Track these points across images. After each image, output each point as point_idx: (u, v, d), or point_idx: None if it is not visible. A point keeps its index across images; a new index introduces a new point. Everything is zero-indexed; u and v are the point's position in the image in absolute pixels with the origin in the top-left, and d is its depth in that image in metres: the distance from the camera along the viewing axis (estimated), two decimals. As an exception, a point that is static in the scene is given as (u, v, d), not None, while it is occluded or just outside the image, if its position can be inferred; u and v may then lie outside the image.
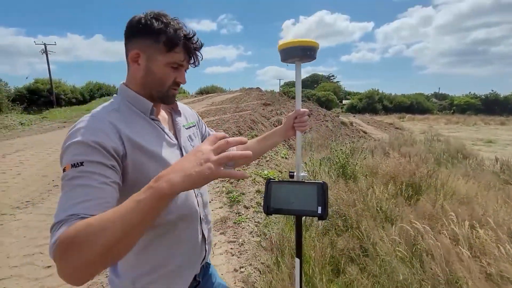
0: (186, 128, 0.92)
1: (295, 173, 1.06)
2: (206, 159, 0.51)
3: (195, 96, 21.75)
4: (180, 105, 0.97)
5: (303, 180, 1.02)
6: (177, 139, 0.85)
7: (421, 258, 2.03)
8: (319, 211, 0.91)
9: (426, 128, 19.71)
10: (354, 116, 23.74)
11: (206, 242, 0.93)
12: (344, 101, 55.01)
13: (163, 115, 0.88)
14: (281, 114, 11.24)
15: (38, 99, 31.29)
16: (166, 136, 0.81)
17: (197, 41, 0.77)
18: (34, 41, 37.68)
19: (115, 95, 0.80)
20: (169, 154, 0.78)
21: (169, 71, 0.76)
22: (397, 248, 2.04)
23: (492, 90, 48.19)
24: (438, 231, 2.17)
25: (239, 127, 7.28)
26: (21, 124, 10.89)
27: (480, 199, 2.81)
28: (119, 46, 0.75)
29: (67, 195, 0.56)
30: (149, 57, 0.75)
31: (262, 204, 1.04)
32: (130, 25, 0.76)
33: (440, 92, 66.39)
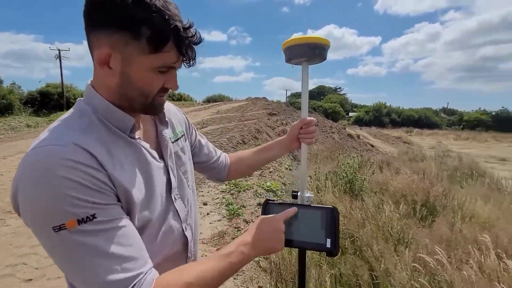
0: (173, 142, 0.73)
1: (299, 193, 0.88)
2: (282, 234, 0.67)
3: (202, 104, 21.86)
4: (167, 106, 0.76)
5: (308, 203, 0.84)
6: (163, 158, 0.67)
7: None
8: (328, 244, 0.72)
9: (435, 143, 19.26)
10: (360, 129, 23.48)
11: None
12: (350, 114, 54.88)
13: (144, 126, 0.68)
14: (286, 124, 11.10)
15: (48, 102, 32.10)
16: (150, 158, 0.62)
17: (194, 34, 0.55)
18: (49, 47, 39.10)
19: (80, 99, 0.59)
20: (156, 181, 0.62)
21: (155, 76, 0.56)
22: (415, 277, 1.80)
23: (503, 107, 47.63)
24: (460, 260, 1.93)
25: (243, 136, 7.14)
26: (28, 126, 11.00)
27: (505, 224, 2.55)
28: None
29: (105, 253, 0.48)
30: (126, 59, 0.53)
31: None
32: (95, 4, 0.52)
33: (448, 107, 65.71)
